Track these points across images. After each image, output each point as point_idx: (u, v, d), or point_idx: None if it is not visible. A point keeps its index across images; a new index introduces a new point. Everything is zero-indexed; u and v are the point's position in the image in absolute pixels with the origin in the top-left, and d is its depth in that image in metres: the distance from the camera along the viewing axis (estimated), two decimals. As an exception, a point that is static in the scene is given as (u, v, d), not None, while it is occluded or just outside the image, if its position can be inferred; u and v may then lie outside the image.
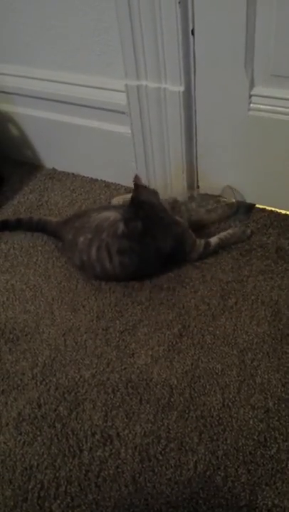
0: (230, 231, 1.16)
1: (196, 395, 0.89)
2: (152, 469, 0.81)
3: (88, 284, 1.12)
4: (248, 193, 1.23)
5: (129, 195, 1.18)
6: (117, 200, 1.28)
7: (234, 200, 1.21)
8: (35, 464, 0.83)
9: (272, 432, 0.83)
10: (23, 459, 0.84)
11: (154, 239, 1.06)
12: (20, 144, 1.49)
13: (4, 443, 0.87)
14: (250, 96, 1.08)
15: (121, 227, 1.06)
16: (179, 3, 0.98)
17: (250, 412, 0.86)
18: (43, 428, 0.88)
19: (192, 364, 0.94)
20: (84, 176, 1.44)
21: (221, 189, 1.23)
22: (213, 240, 1.14)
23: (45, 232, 1.25)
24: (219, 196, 1.23)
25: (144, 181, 1.33)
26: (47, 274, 1.16)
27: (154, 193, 1.08)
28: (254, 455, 0.81)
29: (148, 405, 0.89)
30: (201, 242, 1.12)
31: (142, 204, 1.04)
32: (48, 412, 0.90)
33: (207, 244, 1.12)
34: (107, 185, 1.40)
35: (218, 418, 0.86)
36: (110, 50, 1.17)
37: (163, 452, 0.83)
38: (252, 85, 1.07)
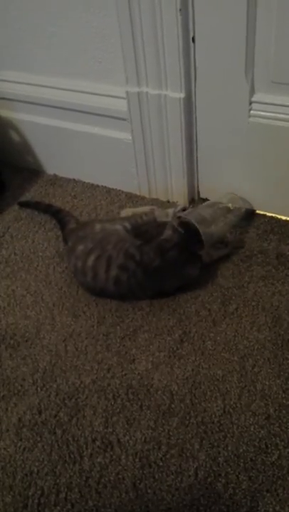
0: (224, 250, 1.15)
1: (196, 401, 0.89)
2: (153, 476, 0.81)
3: (89, 290, 1.12)
4: (248, 199, 1.23)
5: (139, 209, 1.17)
6: (126, 213, 1.26)
7: (243, 209, 1.21)
8: (36, 470, 0.83)
9: (273, 439, 0.83)
10: (23, 465, 0.84)
11: (162, 279, 1.05)
12: (22, 150, 1.50)
13: (4, 449, 0.86)
14: (251, 103, 1.08)
15: (132, 249, 1.04)
16: (180, 10, 0.99)
17: (251, 419, 0.86)
18: (43, 434, 0.88)
19: (193, 370, 0.94)
20: (85, 182, 1.45)
21: (225, 197, 1.22)
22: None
23: (61, 231, 1.25)
24: (220, 203, 1.23)
25: (146, 187, 1.34)
26: (48, 280, 1.16)
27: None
28: (255, 462, 0.81)
29: (148, 411, 0.89)
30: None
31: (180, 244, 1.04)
32: (49, 418, 0.90)
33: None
34: (108, 191, 1.40)
35: (218, 424, 0.86)
36: (111, 57, 1.17)
37: (163, 458, 0.82)
38: (252, 92, 1.08)
